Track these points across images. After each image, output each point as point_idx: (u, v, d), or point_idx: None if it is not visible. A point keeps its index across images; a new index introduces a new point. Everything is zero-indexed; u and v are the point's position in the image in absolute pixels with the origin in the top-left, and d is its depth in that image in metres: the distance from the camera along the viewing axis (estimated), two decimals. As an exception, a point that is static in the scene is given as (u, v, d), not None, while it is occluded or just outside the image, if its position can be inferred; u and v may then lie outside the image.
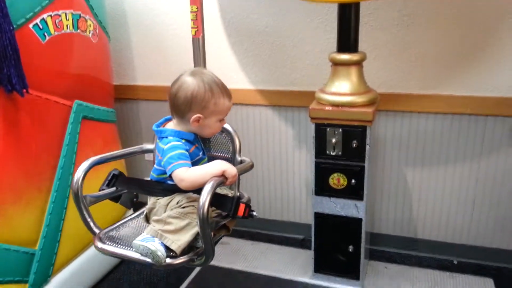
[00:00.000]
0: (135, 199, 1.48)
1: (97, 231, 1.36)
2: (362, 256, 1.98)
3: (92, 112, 2.10)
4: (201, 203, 1.10)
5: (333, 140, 1.83)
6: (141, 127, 2.69)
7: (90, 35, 2.02)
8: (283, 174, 2.45)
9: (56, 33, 1.79)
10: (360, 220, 1.92)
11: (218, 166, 1.20)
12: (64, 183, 1.94)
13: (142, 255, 1.20)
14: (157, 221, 1.24)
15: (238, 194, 1.35)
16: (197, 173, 1.20)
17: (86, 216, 1.35)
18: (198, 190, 1.22)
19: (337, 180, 1.89)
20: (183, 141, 1.29)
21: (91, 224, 1.37)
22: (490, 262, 2.22)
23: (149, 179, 1.45)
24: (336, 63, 1.81)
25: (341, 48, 1.80)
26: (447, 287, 2.06)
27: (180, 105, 1.27)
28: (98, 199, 1.40)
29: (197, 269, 2.26)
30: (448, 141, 2.12)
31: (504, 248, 2.19)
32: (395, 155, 2.21)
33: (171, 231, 1.20)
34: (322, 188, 1.93)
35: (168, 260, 1.18)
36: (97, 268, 2.20)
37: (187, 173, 1.21)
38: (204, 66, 1.85)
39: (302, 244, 2.42)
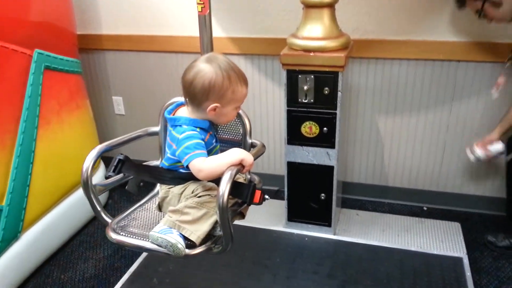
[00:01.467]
0: (141, 184, 1.40)
1: (108, 220, 1.29)
2: (334, 203, 2.01)
3: (54, 62, 2.00)
4: (220, 193, 1.06)
5: (305, 87, 1.79)
6: (108, 78, 2.59)
7: (48, -22, 1.89)
8: (257, 125, 2.42)
9: (10, -25, 1.67)
10: (331, 167, 1.93)
11: (236, 154, 1.15)
12: (29, 137, 1.87)
13: (161, 247, 1.17)
14: (174, 211, 1.20)
15: (251, 180, 1.33)
16: (215, 163, 1.15)
17: (97, 206, 1.26)
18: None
19: (309, 128, 1.87)
20: (198, 129, 1.21)
21: (102, 214, 1.29)
22: (458, 207, 2.29)
23: (155, 165, 1.39)
24: (308, 5, 1.75)
25: (313, -10, 1.73)
26: (416, 231, 2.11)
27: (197, 93, 1.18)
28: (106, 187, 1.33)
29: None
30: (421, 87, 2.11)
31: (472, 193, 2.26)
32: (368, 103, 2.20)
33: (188, 222, 1.17)
34: (294, 137, 1.92)
35: (188, 251, 1.15)
36: (70, 223, 2.17)
37: (204, 164, 1.16)
38: (211, 45, 1.71)
39: (277, 195, 2.44)
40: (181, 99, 1.34)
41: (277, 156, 2.46)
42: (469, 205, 2.27)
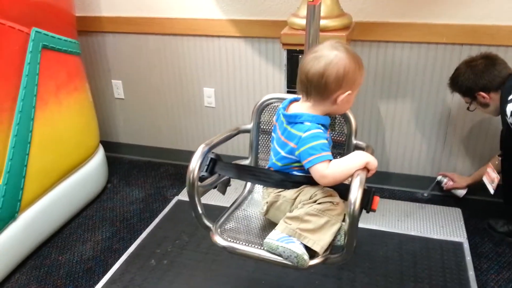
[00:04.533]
0: (229, 185, 1.33)
1: (209, 225, 1.22)
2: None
3: (52, 41, 1.97)
4: (352, 200, 0.99)
5: (306, 68, 1.77)
6: (108, 61, 2.57)
7: (46, -44, 1.86)
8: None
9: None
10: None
11: (362, 158, 1.07)
12: (26, 117, 1.85)
13: (281, 256, 1.09)
14: (292, 218, 1.11)
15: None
16: (340, 168, 1.07)
17: (199, 209, 1.19)
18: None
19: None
20: (321, 127, 1.13)
21: (203, 217, 1.21)
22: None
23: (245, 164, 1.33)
24: (309, -15, 1.72)
25: (315, -31, 1.70)
26: (416, 216, 2.10)
27: (330, 84, 1.10)
28: (207, 188, 1.25)
29: (170, 204, 2.25)
30: (423, 71, 2.08)
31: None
32: (369, 87, 2.18)
33: (310, 230, 1.09)
34: (294, 119, 1.89)
35: (310, 263, 1.08)
36: (68, 205, 2.16)
37: (330, 169, 1.08)
38: (318, 37, 1.59)
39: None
40: (275, 95, 1.33)
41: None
42: (470, 191, 2.25)
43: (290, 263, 1.08)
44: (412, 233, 1.95)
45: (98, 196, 2.39)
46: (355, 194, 0.99)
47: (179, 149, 2.69)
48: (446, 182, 2.18)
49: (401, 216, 2.09)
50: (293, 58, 1.78)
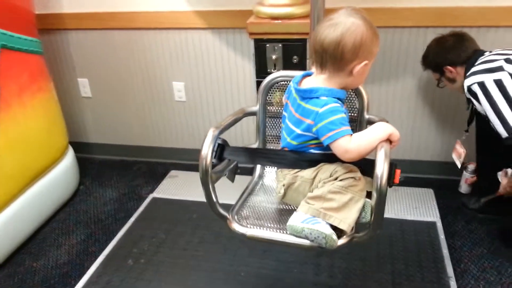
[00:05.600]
0: (238, 171, 1.27)
1: (225, 213, 1.17)
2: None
3: (11, 40, 1.89)
4: (378, 173, 0.94)
5: (273, 57, 1.76)
6: (72, 59, 2.50)
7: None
8: (228, 99, 2.38)
9: None
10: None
11: (385, 129, 1.03)
12: (-12, 120, 1.78)
13: (308, 239, 1.04)
14: (314, 198, 1.06)
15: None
16: (364, 141, 1.02)
17: (214, 197, 1.14)
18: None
19: (279, 99, 1.84)
20: (338, 101, 1.08)
21: (218, 206, 1.16)
22: (432, 175, 2.31)
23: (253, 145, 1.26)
24: (272, -28, 1.71)
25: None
26: (390, 199, 2.13)
27: (346, 53, 1.04)
28: (219, 175, 1.19)
29: (145, 203, 2.21)
30: (390, 56, 2.10)
31: (443, 160, 2.28)
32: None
33: (335, 209, 1.04)
34: (266, 109, 1.88)
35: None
36: (39, 209, 2.09)
37: (352, 143, 1.02)
38: (322, 16, 1.53)
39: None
40: (282, 72, 1.26)
41: (250, 129, 2.43)
42: (442, 172, 2.30)
43: (317, 244, 1.03)
44: (387, 216, 1.98)
45: (70, 199, 2.33)
46: (382, 168, 0.94)
47: (152, 146, 2.64)
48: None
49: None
50: (260, 47, 1.77)
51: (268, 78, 1.32)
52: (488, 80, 1.55)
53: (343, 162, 1.08)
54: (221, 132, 1.16)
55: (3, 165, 1.84)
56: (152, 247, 1.87)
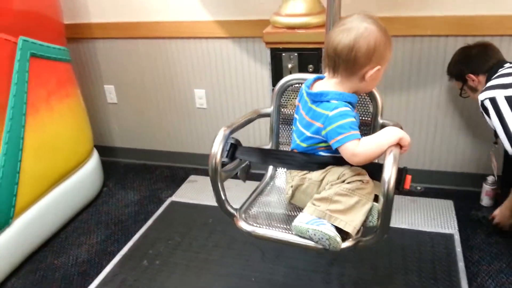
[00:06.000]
0: (250, 170, 1.29)
1: (233, 211, 1.19)
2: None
3: (41, 49, 2.00)
4: (386, 178, 0.93)
5: (289, 66, 1.78)
6: (99, 67, 2.60)
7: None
8: (248, 106, 2.42)
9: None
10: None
11: (394, 133, 1.02)
12: (17, 124, 1.87)
13: (312, 240, 1.05)
14: (321, 199, 1.07)
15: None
16: (372, 145, 1.02)
17: (222, 195, 1.16)
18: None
19: (293, 103, 1.86)
20: (349, 105, 1.08)
21: (226, 204, 1.18)
22: (452, 185, 2.27)
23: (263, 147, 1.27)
24: (289, -18, 1.74)
25: (294, -33, 1.72)
26: (407, 210, 2.10)
27: (360, 57, 1.05)
28: (229, 174, 1.20)
29: (163, 206, 2.27)
30: (410, 65, 2.08)
31: (465, 171, 2.23)
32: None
33: (341, 211, 1.04)
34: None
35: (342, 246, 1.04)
36: (63, 210, 2.18)
37: (360, 146, 1.03)
38: (339, 5, 1.53)
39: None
40: (296, 75, 1.28)
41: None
42: (462, 183, 2.24)
43: (321, 246, 1.04)
44: (403, 226, 1.95)
45: (94, 200, 2.42)
46: (389, 173, 0.93)
47: (173, 151, 2.71)
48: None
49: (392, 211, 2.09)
50: (276, 56, 1.79)
51: (283, 80, 1.33)
52: (500, 96, 1.55)
53: (351, 165, 1.08)
54: (233, 131, 1.17)
55: (29, 167, 1.93)
56: (168, 249, 1.92)
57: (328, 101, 1.08)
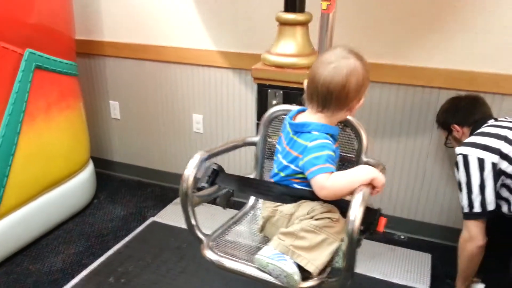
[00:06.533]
0: (231, 198, 1.28)
1: (203, 238, 1.17)
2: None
3: (47, 62, 2.11)
4: (351, 217, 0.90)
5: (274, 102, 1.81)
6: (107, 83, 2.70)
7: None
8: (242, 134, 2.45)
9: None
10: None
11: (368, 172, 1.00)
12: (11, 130, 1.95)
13: (270, 275, 1.03)
14: (286, 234, 1.04)
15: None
16: (342, 181, 1.00)
17: (192, 219, 1.15)
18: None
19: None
20: (330, 138, 1.09)
21: (196, 230, 1.17)
22: (437, 239, 2.21)
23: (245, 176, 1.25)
24: (282, 23, 1.78)
25: (288, 8, 1.76)
26: (384, 260, 2.05)
27: (350, 93, 1.06)
28: (204, 199, 1.20)
29: (143, 225, 2.30)
30: (402, 113, 2.08)
31: (450, 225, 2.17)
32: (348, 125, 2.19)
33: (305, 248, 1.01)
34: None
35: (302, 285, 1.00)
36: (48, 217, 2.24)
37: (330, 180, 1.01)
38: (331, 44, 1.60)
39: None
40: (283, 106, 1.31)
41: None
42: (444, 237, 2.18)
43: (279, 282, 1.01)
44: (375, 275, 1.91)
45: (82, 210, 2.48)
46: (355, 211, 0.90)
47: (167, 171, 2.76)
48: None
49: (368, 257, 2.06)
50: (263, 91, 1.83)
51: (271, 110, 1.34)
52: (473, 156, 1.55)
53: (324, 201, 1.06)
54: (211, 157, 1.16)
55: (18, 172, 2.00)
56: (136, 269, 1.94)
57: (309, 132, 1.09)
